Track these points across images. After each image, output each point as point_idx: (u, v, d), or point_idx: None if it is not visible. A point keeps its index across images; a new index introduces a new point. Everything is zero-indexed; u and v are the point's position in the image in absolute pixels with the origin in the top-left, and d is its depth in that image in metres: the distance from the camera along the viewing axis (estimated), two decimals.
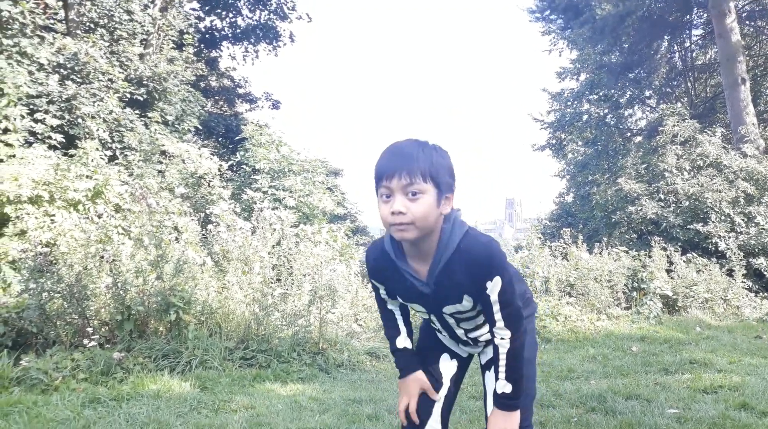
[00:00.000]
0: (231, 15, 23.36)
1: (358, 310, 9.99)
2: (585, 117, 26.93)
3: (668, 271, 10.55)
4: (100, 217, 7.96)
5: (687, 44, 25.05)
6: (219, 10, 23.02)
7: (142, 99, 12.91)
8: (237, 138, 14.14)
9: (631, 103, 27.30)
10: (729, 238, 12.06)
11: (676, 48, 25.36)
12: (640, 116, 28.95)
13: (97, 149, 9.97)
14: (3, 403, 4.16)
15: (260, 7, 23.51)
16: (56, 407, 4.15)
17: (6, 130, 9.18)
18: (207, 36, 22.55)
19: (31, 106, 10.30)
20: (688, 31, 24.43)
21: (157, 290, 5.71)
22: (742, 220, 12.57)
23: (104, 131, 11.07)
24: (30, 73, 10.47)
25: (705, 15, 21.92)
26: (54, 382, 4.73)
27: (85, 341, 5.22)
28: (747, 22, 21.56)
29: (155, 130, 12.05)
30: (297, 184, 12.68)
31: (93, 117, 11.06)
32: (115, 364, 5.11)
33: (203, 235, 8.36)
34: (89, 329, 5.38)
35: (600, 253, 10.36)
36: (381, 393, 5.20)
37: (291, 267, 8.55)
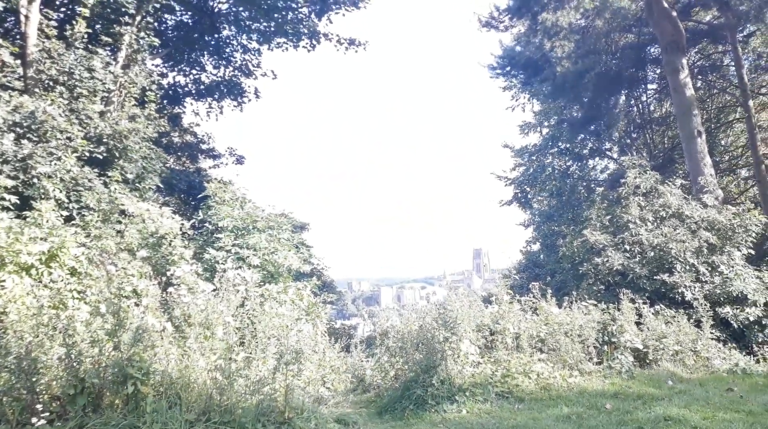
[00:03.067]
0: (195, 72, 23.52)
1: (326, 372, 9.80)
2: (549, 170, 27.63)
3: (638, 323, 10.64)
4: (54, 282, 7.70)
5: (644, 98, 26.15)
6: (183, 67, 23.15)
7: (101, 157, 12.74)
8: (200, 196, 13.99)
9: (593, 155, 28.14)
10: (695, 287, 12.27)
11: (633, 102, 26.44)
12: (602, 167, 29.82)
13: (54, 210, 9.73)
14: None
15: (224, 63, 23.74)
16: None
17: None
18: (170, 92, 22.60)
19: None
20: (644, 86, 25.55)
21: (113, 361, 5.49)
22: (707, 269, 12.83)
23: (61, 191, 10.85)
24: None
25: (659, 70, 22.92)
26: None
27: (34, 419, 4.95)
28: (699, 77, 22.60)
29: (115, 189, 11.87)
30: (261, 241, 12.53)
31: (50, 176, 10.85)
32: None
33: (164, 298, 8.14)
34: (39, 406, 5.10)
35: (569, 307, 10.41)
36: None
37: (255, 329, 8.35)
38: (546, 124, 28.99)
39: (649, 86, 25.97)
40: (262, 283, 10.86)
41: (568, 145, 27.25)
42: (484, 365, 8.77)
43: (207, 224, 13.03)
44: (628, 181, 15.26)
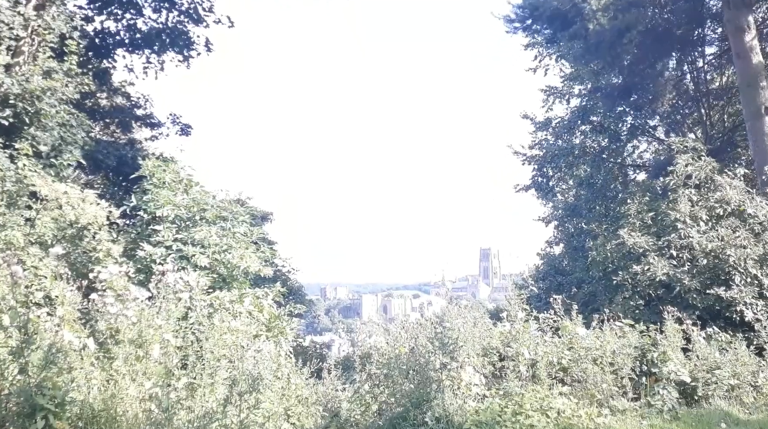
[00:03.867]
0: (129, 16, 23.25)
1: (291, 404, 9.81)
2: (577, 151, 27.50)
3: (685, 349, 10.74)
4: None
5: (699, 64, 26.03)
6: (114, 9, 22.86)
7: (6, 123, 12.63)
8: (133, 176, 13.90)
9: (633, 134, 28.02)
10: (758, 305, 12.41)
11: (686, 68, 26.35)
12: (644, 149, 29.81)
13: None
14: None
15: (167, 6, 23.46)
16: None
17: None
18: (97, 42, 22.36)
19: None
20: (700, 49, 25.45)
21: (19, 387, 5.45)
22: None
23: None
24: None
25: (720, 30, 22.97)
26: None
27: None
28: None
29: (24, 165, 11.75)
30: (211, 236, 12.51)
31: None
32: None
33: (85, 307, 8.09)
34: None
35: (600, 327, 10.48)
36: None
37: (202, 348, 8.34)
38: (575, 92, 28.90)
39: (707, 50, 25.97)
40: (211, 290, 10.85)
41: (602, 121, 27.16)
42: (491, 399, 8.81)
43: (142, 213, 12.96)
44: (678, 169, 15.37)
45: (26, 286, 6.12)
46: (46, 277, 8.89)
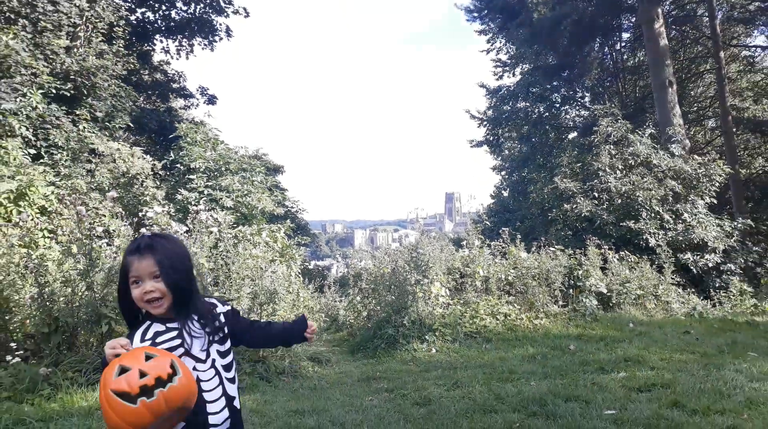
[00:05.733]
0: (164, 7, 22.62)
1: (300, 312, 9.88)
2: (521, 114, 27.46)
3: (603, 268, 10.89)
4: (24, 221, 7.53)
5: (617, 47, 25.95)
6: (151, 2, 22.25)
7: (69, 95, 12.31)
8: (171, 136, 13.69)
9: (565, 102, 28.03)
10: (659, 234, 12.56)
11: (607, 50, 26.24)
12: (574, 115, 29.72)
13: (20, 148, 9.45)
14: None
15: None
16: None
17: None
18: (139, 29, 21.74)
19: None
20: (618, 35, 25.30)
21: (87, 301, 5.44)
22: (671, 217, 13.12)
23: (27, 129, 10.50)
24: None
25: (634, 19, 22.71)
26: None
27: (8, 357, 4.92)
28: (673, 27, 22.48)
29: (84, 127, 11.54)
30: (234, 183, 12.41)
31: (15, 113, 10.47)
32: (42, 380, 4.84)
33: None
34: (12, 344, 5.07)
35: (538, 252, 10.58)
36: (324, 402, 5.12)
37: (229, 270, 8.34)
38: (519, 70, 28.66)
39: (624, 35, 25.77)
40: (235, 225, 10.80)
41: (540, 91, 27.08)
42: (454, 307, 8.93)
43: (179, 165, 12.82)
44: (600, 130, 15.32)
45: (89, 223, 6.04)
46: (105, 216, 8.81)
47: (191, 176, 12.16)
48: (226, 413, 2.02)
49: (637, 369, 6.04)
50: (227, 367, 2.08)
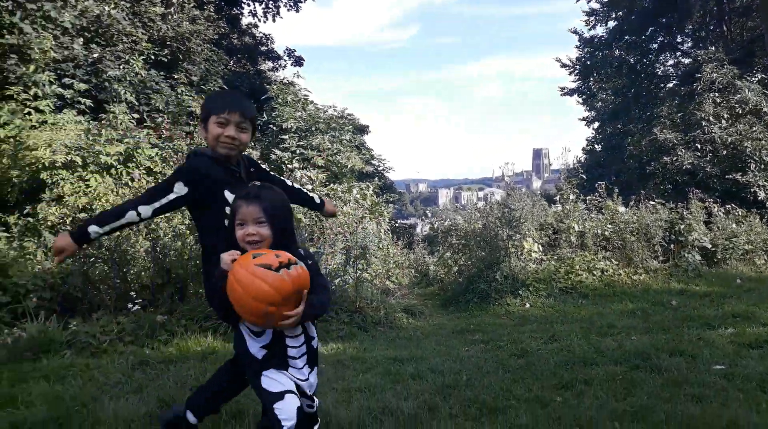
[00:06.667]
0: None
1: (390, 267, 10.05)
2: (615, 64, 26.13)
3: (707, 223, 10.36)
4: (133, 180, 8.02)
5: None
6: None
7: (166, 60, 12.85)
8: (263, 98, 14.03)
9: (663, 50, 26.44)
10: None
11: None
12: (672, 62, 28.01)
13: (125, 112, 9.97)
14: (57, 366, 4.28)
15: None
16: (107, 370, 4.25)
17: (36, 97, 9.22)
18: None
19: (59, 71, 10.30)
20: None
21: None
22: None
23: (131, 94, 11.06)
24: (55, 37, 10.45)
25: None
26: (102, 345, 4.84)
27: (129, 305, 5.32)
28: None
29: (182, 91, 12.00)
30: (325, 142, 12.62)
31: (119, 80, 11.04)
32: (159, 327, 5.21)
33: None
34: (132, 293, 5.47)
35: (636, 206, 10.19)
36: (421, 351, 5.23)
37: (323, 226, 8.58)
38: (614, 15, 27.10)
39: None
40: (327, 183, 11.03)
41: (635, 38, 25.60)
42: (548, 262, 8.80)
43: (272, 126, 13.15)
44: (704, 76, 14.42)
45: None
46: None
47: (283, 136, 12.46)
48: (304, 348, 2.31)
49: (746, 325, 5.77)
50: None
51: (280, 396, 2.17)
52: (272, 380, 2.20)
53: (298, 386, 2.26)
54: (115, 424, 3.16)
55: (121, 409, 3.38)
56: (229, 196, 2.60)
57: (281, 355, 2.24)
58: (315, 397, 2.42)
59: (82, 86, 10.32)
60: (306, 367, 2.31)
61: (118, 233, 6.04)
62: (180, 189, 2.57)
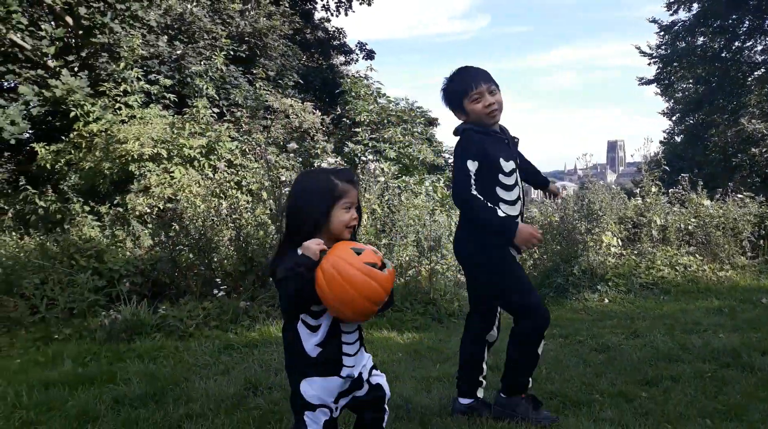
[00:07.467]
0: None
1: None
2: (699, 51, 24.82)
3: None
4: (215, 172, 8.33)
5: None
6: None
7: (244, 56, 13.22)
8: (337, 91, 14.22)
9: (752, 34, 24.90)
10: None
11: None
12: (761, 49, 26.38)
13: (206, 107, 10.35)
14: (149, 348, 4.52)
15: None
16: (195, 352, 4.46)
17: (125, 92, 9.71)
18: None
19: (145, 68, 10.80)
20: None
21: (278, 242, 5.92)
22: None
23: (212, 89, 11.46)
24: (142, 35, 10.95)
25: None
26: (189, 329, 5.08)
27: (214, 291, 5.54)
28: None
29: (259, 86, 12.34)
30: (397, 134, 12.67)
31: (201, 75, 11.46)
32: (242, 313, 5.41)
33: None
34: (217, 280, 5.69)
35: (723, 200, 9.72)
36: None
37: (394, 217, 8.62)
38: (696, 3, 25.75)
39: None
40: (399, 175, 11.08)
41: (722, 23, 24.20)
42: (627, 257, 8.53)
43: (344, 119, 13.32)
44: None
45: (275, 172, 6.53)
46: (284, 168, 9.45)
47: (356, 129, 12.59)
48: (356, 335, 2.18)
49: None
50: None
51: (313, 407, 2.06)
52: (312, 389, 2.07)
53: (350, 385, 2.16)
54: (207, 402, 3.32)
55: (211, 389, 3.55)
56: (504, 163, 2.91)
57: (334, 357, 2.09)
58: (381, 385, 2.26)
59: (167, 82, 10.79)
60: (360, 353, 2.19)
61: (202, 222, 6.32)
62: (473, 166, 2.82)
